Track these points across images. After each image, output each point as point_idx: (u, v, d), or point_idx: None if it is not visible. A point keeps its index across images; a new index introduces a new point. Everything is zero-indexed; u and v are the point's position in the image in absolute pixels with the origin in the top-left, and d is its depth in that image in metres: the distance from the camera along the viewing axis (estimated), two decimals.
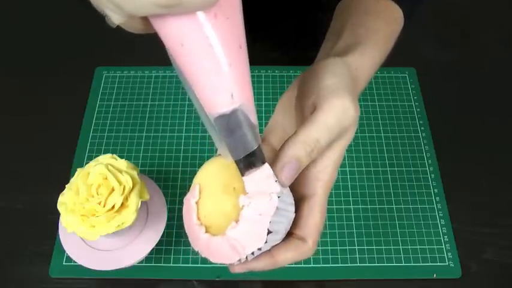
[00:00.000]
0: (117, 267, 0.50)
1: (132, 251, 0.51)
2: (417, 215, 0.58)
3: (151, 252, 0.52)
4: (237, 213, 0.30)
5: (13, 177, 0.62)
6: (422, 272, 0.54)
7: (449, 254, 0.56)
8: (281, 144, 0.32)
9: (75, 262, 0.50)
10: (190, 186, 0.33)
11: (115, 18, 0.23)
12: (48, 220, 0.56)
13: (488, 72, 0.72)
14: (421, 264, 0.55)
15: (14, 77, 0.72)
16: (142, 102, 0.68)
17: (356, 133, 0.34)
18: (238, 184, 0.30)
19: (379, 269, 0.55)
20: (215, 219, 0.31)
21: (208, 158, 0.34)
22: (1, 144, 0.65)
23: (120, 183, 0.46)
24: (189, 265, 0.54)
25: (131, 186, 0.47)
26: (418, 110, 0.67)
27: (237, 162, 0.28)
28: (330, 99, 0.32)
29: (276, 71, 0.71)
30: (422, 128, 0.66)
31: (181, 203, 0.33)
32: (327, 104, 0.32)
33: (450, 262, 0.55)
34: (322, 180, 0.33)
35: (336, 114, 0.31)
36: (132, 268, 0.53)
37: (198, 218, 0.32)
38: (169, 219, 0.53)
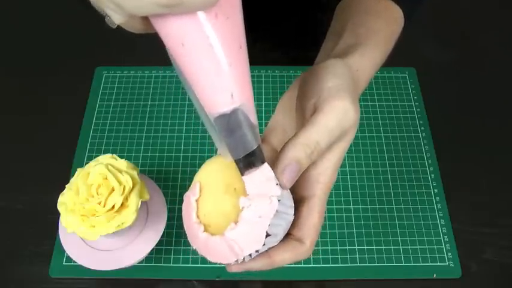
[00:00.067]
0: (117, 267, 0.50)
1: (132, 251, 0.51)
2: (417, 215, 0.58)
3: (151, 252, 0.52)
4: (237, 214, 0.30)
5: (13, 177, 0.62)
6: (422, 272, 0.54)
7: (449, 254, 0.56)
8: (281, 144, 0.32)
9: (75, 262, 0.51)
10: (190, 186, 0.33)
11: (116, 18, 0.23)
12: (48, 220, 0.56)
13: (488, 72, 0.72)
14: (421, 264, 0.55)
15: (14, 77, 0.72)
16: (142, 102, 0.68)
17: (356, 133, 0.34)
18: (239, 185, 0.30)
19: (379, 269, 0.55)
20: (214, 219, 0.31)
21: (208, 158, 0.34)
22: (1, 144, 0.65)
23: (120, 183, 0.46)
24: (189, 265, 0.54)
25: (131, 186, 0.47)
26: (418, 110, 0.67)
27: (237, 161, 0.28)
28: (330, 101, 0.32)
29: (276, 71, 0.71)
30: (422, 128, 0.66)
31: (181, 203, 0.33)
32: (327, 105, 0.32)
33: (450, 262, 0.55)
34: (322, 182, 0.33)
35: (336, 116, 0.31)
36: (132, 268, 0.53)
37: (198, 216, 0.32)
38: (169, 219, 0.54)
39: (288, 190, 0.31)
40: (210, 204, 0.32)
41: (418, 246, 0.56)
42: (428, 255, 0.55)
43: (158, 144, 0.64)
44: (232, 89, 0.26)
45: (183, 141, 0.64)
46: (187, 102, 0.68)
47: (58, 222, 0.53)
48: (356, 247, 0.56)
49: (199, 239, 0.31)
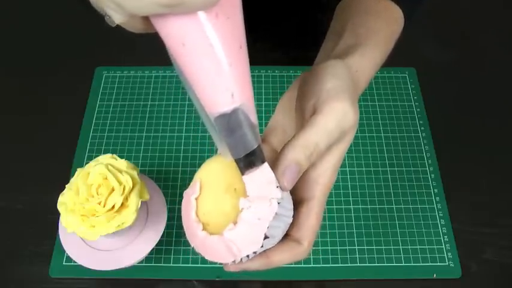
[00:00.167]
0: (117, 267, 0.50)
1: (132, 251, 0.51)
2: (417, 215, 0.58)
3: (151, 252, 0.52)
4: (236, 215, 0.30)
5: (13, 177, 0.62)
6: (422, 272, 0.54)
7: (449, 254, 0.56)
8: (281, 144, 0.32)
9: (75, 262, 0.51)
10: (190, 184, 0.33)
11: (116, 18, 0.23)
12: (48, 220, 0.56)
13: (488, 72, 0.72)
14: (421, 264, 0.55)
15: (14, 77, 0.72)
16: (142, 102, 0.68)
17: (356, 133, 0.34)
18: (239, 185, 0.30)
19: (379, 269, 0.55)
20: (214, 218, 0.31)
21: (208, 158, 0.34)
22: (1, 144, 0.65)
23: (120, 183, 0.46)
24: (189, 265, 0.54)
25: (131, 186, 0.47)
26: (418, 110, 0.67)
27: (237, 161, 0.29)
28: (330, 102, 0.32)
29: (276, 71, 0.71)
30: (422, 128, 0.66)
31: (181, 203, 0.33)
32: (327, 107, 0.32)
33: (450, 262, 0.55)
34: (321, 183, 0.33)
35: (335, 117, 0.31)
36: (132, 268, 0.53)
37: (197, 215, 0.32)
38: (169, 219, 0.53)
39: (288, 192, 0.31)
40: (210, 203, 0.32)
41: (418, 246, 0.56)
42: (428, 255, 0.55)
43: (158, 144, 0.64)
44: (233, 89, 0.26)
45: (183, 141, 0.64)
46: (187, 102, 0.68)
47: (58, 222, 0.53)
48: (356, 247, 0.56)
49: (197, 238, 0.31)
